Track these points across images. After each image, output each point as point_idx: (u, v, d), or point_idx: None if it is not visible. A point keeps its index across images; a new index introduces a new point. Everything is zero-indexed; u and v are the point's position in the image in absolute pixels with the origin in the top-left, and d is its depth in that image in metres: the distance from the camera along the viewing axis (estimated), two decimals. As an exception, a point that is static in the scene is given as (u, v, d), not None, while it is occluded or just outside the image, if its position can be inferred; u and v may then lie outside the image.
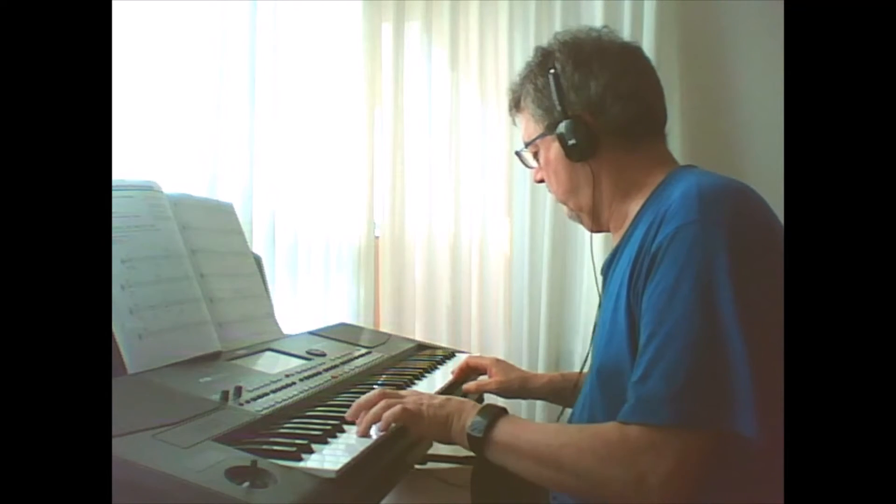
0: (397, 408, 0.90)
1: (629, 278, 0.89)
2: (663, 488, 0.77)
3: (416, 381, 1.25)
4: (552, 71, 1.02)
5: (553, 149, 1.05)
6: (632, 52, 1.06)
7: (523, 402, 1.91)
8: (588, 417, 0.99)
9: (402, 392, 0.98)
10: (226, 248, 1.30)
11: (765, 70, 1.85)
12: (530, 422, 0.98)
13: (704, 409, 0.78)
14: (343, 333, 1.50)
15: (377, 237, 2.04)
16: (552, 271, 1.99)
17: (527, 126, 1.11)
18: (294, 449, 0.76)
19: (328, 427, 0.87)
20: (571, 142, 1.01)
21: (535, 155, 1.11)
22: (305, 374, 1.10)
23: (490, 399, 1.38)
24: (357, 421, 0.91)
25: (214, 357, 1.09)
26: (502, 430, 0.88)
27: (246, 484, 0.66)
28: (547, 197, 1.95)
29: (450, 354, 1.55)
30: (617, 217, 1.05)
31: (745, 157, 1.88)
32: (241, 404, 0.89)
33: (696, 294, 0.80)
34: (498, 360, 1.41)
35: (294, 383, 1.04)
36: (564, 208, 1.13)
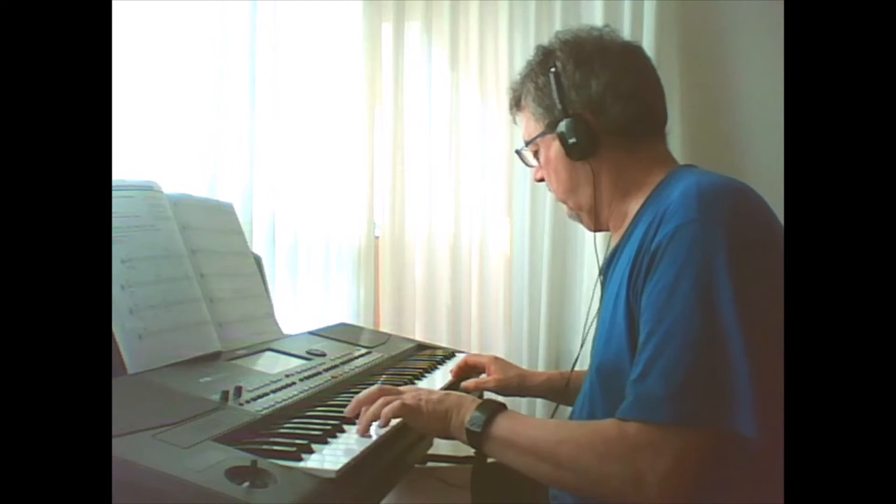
0: (396, 403, 0.90)
1: (629, 277, 0.89)
2: (662, 486, 0.77)
3: (415, 381, 1.25)
4: (553, 69, 1.02)
5: (553, 147, 1.05)
6: (633, 52, 1.06)
7: (523, 400, 1.91)
8: (588, 416, 0.99)
9: (401, 388, 0.98)
10: (226, 248, 1.30)
11: (765, 70, 1.85)
12: (529, 417, 0.98)
13: (703, 407, 0.78)
14: (343, 333, 1.50)
15: (377, 237, 2.04)
16: (552, 271, 1.99)
17: (527, 124, 1.11)
18: (294, 449, 0.76)
19: (328, 427, 0.87)
20: (572, 140, 1.01)
21: (536, 153, 1.11)
22: (305, 374, 1.10)
23: (489, 397, 1.38)
24: (356, 417, 0.91)
25: (214, 357, 1.09)
26: (501, 426, 0.88)
27: (246, 484, 0.66)
28: (547, 197, 1.95)
29: (450, 354, 1.55)
30: (616, 216, 1.05)
31: (745, 157, 1.88)
32: (241, 404, 0.89)
33: (695, 292, 0.80)
34: (496, 358, 1.41)
35: (294, 383, 1.04)
36: (564, 207, 1.13)
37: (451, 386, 1.30)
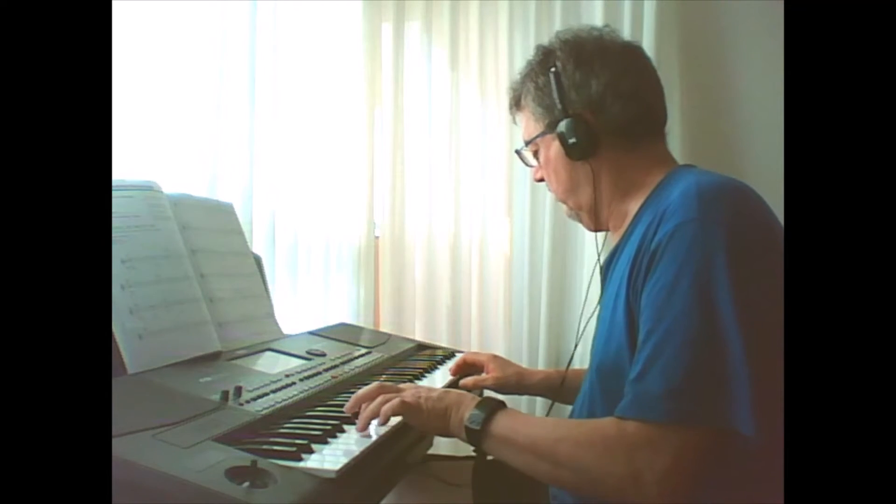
0: (395, 401, 0.91)
1: (628, 276, 0.90)
2: (660, 485, 0.77)
3: (415, 381, 1.25)
4: (553, 69, 1.03)
5: (553, 147, 1.05)
6: (633, 52, 1.06)
7: (523, 398, 1.91)
8: (588, 415, 0.99)
9: (401, 385, 0.98)
10: (226, 248, 1.30)
11: (765, 70, 1.85)
12: (529, 416, 0.98)
13: (702, 406, 0.78)
14: (343, 333, 1.50)
15: (377, 237, 2.04)
16: (552, 271, 1.99)
17: (527, 124, 1.11)
18: (294, 449, 0.76)
19: (328, 427, 0.87)
20: (572, 140, 1.01)
21: (536, 153, 1.11)
22: (305, 374, 1.10)
23: (488, 395, 1.38)
24: (356, 416, 0.91)
25: (214, 357, 1.09)
26: (500, 424, 0.88)
27: (246, 484, 0.66)
28: (547, 197, 1.95)
29: (450, 354, 1.55)
30: (616, 216, 1.05)
31: (745, 157, 1.88)
32: (241, 404, 0.89)
33: (694, 291, 0.80)
34: (495, 357, 1.41)
35: (294, 383, 1.04)
36: (564, 207, 1.13)
37: (451, 385, 1.30)
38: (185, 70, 1.63)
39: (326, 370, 1.16)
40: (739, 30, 1.91)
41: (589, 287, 1.16)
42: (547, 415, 1.32)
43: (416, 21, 2.08)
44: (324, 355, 1.25)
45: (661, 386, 0.79)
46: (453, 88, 2.07)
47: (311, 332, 1.44)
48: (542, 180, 1.13)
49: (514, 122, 1.17)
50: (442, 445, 1.76)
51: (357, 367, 1.25)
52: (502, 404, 0.92)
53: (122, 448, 0.66)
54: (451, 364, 1.42)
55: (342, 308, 1.96)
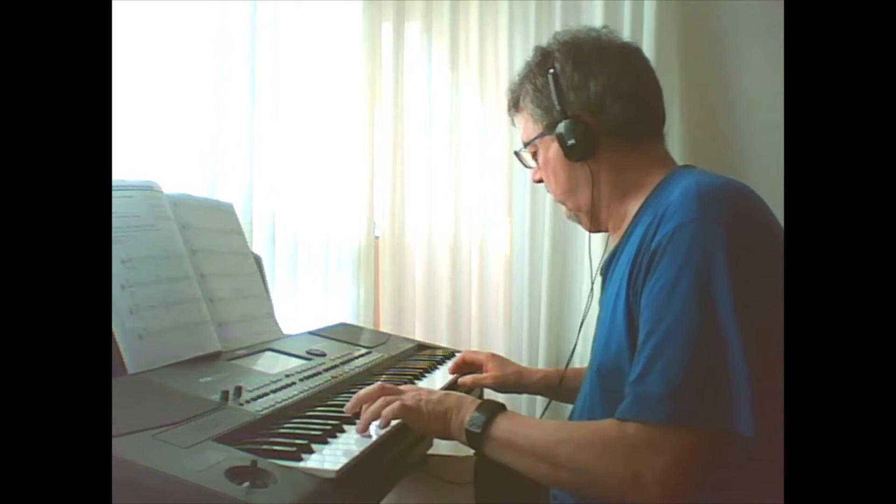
0: (396, 404, 0.90)
1: (628, 277, 0.90)
2: (660, 486, 0.77)
3: (416, 381, 1.25)
4: (551, 71, 1.03)
5: (552, 149, 1.05)
6: (631, 53, 1.07)
7: (523, 397, 1.91)
8: (588, 416, 0.99)
9: (402, 387, 0.98)
10: (226, 248, 1.30)
11: (765, 70, 1.85)
12: (529, 418, 0.98)
13: (702, 407, 0.78)
14: (343, 333, 1.50)
15: (377, 237, 2.04)
16: (552, 271, 1.99)
17: (526, 126, 1.11)
18: (294, 449, 0.76)
19: (328, 427, 0.87)
20: (571, 142, 1.01)
21: (534, 155, 1.12)
22: (305, 374, 1.10)
23: (487, 394, 1.38)
24: (356, 416, 0.91)
25: (214, 357, 1.09)
26: (500, 426, 0.88)
27: (246, 484, 0.66)
28: (547, 197, 1.95)
29: (450, 354, 1.55)
30: (616, 217, 1.05)
31: (745, 157, 1.88)
32: (241, 404, 0.89)
33: (694, 292, 0.80)
34: (494, 355, 1.42)
35: (294, 383, 1.04)
36: (563, 208, 1.13)
37: (451, 385, 1.30)
38: (185, 70, 1.63)
39: (326, 370, 1.16)
40: (739, 30, 1.91)
41: (591, 287, 1.16)
42: (543, 413, 1.32)
43: (416, 21, 2.07)
44: (324, 355, 1.25)
45: (661, 387, 0.79)
46: (453, 88, 2.07)
47: (311, 332, 1.44)
48: (541, 181, 1.13)
49: (513, 123, 1.17)
50: (442, 445, 1.76)
51: (357, 367, 1.25)
52: (502, 407, 0.92)
53: (122, 448, 0.66)
54: (450, 364, 1.42)
55: (342, 308, 1.96)
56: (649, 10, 1.86)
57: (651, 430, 0.79)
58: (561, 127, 1.01)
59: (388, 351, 1.45)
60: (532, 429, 0.89)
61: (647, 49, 1.81)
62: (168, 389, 0.89)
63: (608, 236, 1.13)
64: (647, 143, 1.03)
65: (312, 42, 1.92)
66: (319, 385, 1.06)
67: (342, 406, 0.96)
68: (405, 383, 1.20)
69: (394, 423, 0.91)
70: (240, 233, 1.40)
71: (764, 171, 1.68)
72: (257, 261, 1.43)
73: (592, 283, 1.16)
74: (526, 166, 1.17)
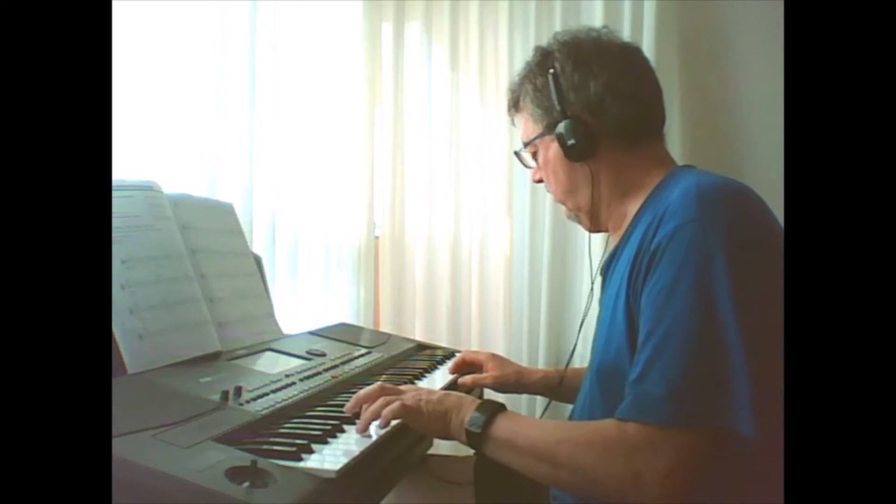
0: (396, 404, 0.90)
1: (628, 277, 0.90)
2: (660, 486, 0.77)
3: (416, 381, 1.25)
4: (551, 71, 1.03)
5: (552, 149, 1.05)
6: (631, 53, 1.07)
7: (523, 397, 1.91)
8: (588, 416, 0.99)
9: (402, 387, 0.98)
10: (226, 248, 1.30)
11: (765, 70, 1.85)
12: (529, 418, 0.98)
13: (702, 407, 0.78)
14: (343, 333, 1.50)
15: (377, 237, 2.04)
16: (552, 271, 1.99)
17: (526, 126, 1.11)
18: (294, 449, 0.76)
19: (328, 427, 0.87)
20: (570, 142, 1.01)
21: (534, 155, 1.11)
22: (305, 374, 1.10)
23: (488, 395, 1.38)
24: (356, 416, 0.91)
25: (214, 357, 1.09)
26: (500, 426, 0.88)
27: (246, 484, 0.66)
28: (547, 197, 1.95)
29: (450, 354, 1.55)
30: (616, 217, 1.05)
31: (745, 157, 1.88)
32: (241, 404, 0.89)
33: (694, 292, 0.80)
34: (494, 355, 1.42)
35: (294, 383, 1.04)
36: (563, 208, 1.13)
37: (451, 385, 1.30)
38: (185, 70, 1.63)
39: (326, 370, 1.16)
40: (739, 30, 1.91)
41: (591, 287, 1.16)
42: (543, 413, 1.32)
43: (416, 21, 2.07)
44: (324, 355, 1.25)
45: (661, 387, 0.79)
46: (453, 88, 2.07)
47: (311, 332, 1.44)
48: (541, 181, 1.13)
49: (513, 123, 1.17)
50: (442, 445, 1.76)
51: (357, 367, 1.25)
52: (502, 407, 0.92)
53: (122, 448, 0.66)
54: (450, 364, 1.42)
55: (342, 308, 1.96)
56: (649, 10, 1.86)
57: (651, 431, 0.79)
58: (561, 127, 1.01)
59: (388, 351, 1.45)
60: (532, 429, 0.89)
61: (647, 49, 1.81)
62: (168, 389, 0.89)
63: (608, 236, 1.13)
64: (647, 143, 1.03)
65: (312, 42, 1.92)
66: (319, 385, 1.06)
67: (342, 406, 0.96)
68: (405, 383, 1.20)
69: (394, 423, 0.91)
70: (240, 233, 1.40)
71: (764, 171, 1.68)
72: (257, 261, 1.43)
73: (592, 283, 1.16)
74: (526, 166, 1.17)
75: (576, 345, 1.29)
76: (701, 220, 0.83)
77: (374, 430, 0.89)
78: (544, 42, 1.10)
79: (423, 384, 1.26)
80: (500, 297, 2.10)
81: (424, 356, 1.54)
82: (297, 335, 1.39)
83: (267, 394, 0.95)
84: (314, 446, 0.80)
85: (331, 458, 0.78)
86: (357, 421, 0.90)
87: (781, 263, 0.70)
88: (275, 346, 1.24)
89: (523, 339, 2.02)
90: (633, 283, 0.88)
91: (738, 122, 1.91)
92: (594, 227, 1.09)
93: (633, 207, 1.01)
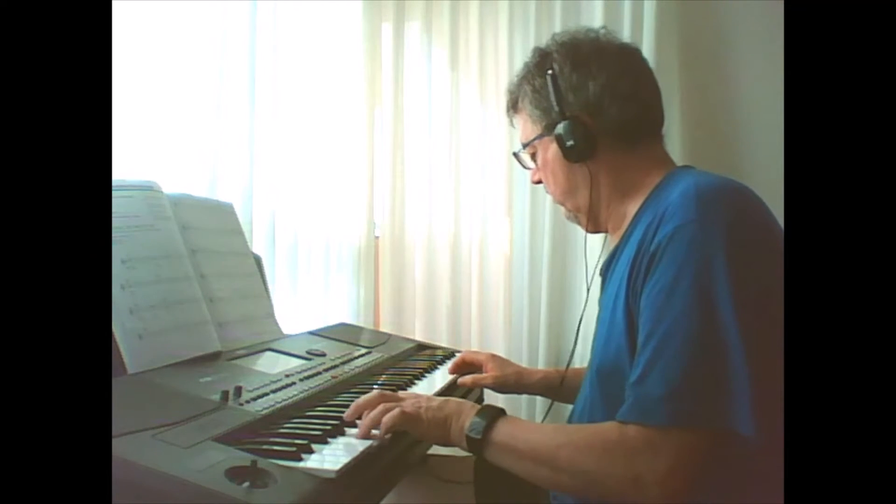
0: (396, 411, 0.90)
1: (628, 278, 0.89)
2: (660, 486, 0.77)
3: (416, 381, 1.25)
4: (550, 72, 1.02)
5: (551, 150, 1.05)
6: (630, 53, 1.06)
7: (523, 399, 1.91)
8: (588, 417, 0.99)
9: (401, 394, 0.98)
10: (226, 248, 1.30)
11: (765, 70, 1.85)
12: (529, 422, 0.98)
13: (702, 408, 0.78)
14: (343, 333, 1.50)
15: (377, 237, 2.04)
16: (552, 271, 1.99)
17: (524, 127, 1.11)
18: (294, 449, 0.76)
19: (328, 427, 0.87)
20: (569, 143, 1.01)
21: (533, 156, 1.11)
22: (305, 374, 1.10)
23: (488, 397, 1.38)
24: (356, 422, 0.91)
25: (214, 357, 1.09)
26: (501, 431, 0.88)
27: (246, 484, 0.66)
28: (547, 197, 1.94)
29: (450, 354, 1.55)
30: (615, 218, 1.05)
31: (745, 158, 1.88)
32: (241, 404, 0.89)
33: (694, 293, 0.80)
34: (493, 356, 1.42)
35: (294, 383, 1.04)
36: (562, 209, 1.13)
37: (452, 386, 1.30)
38: (185, 70, 1.63)
39: (326, 370, 1.16)
40: (739, 30, 1.91)
41: (589, 287, 1.15)
42: (546, 414, 1.32)
43: (416, 21, 2.08)
44: (324, 355, 1.25)
45: (661, 389, 0.79)
46: (453, 88, 2.07)
47: (311, 332, 1.44)
48: (540, 182, 1.13)
49: (512, 124, 1.16)
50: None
51: (357, 367, 1.25)
52: (502, 412, 0.92)
53: (122, 448, 0.66)
54: (450, 364, 1.42)
55: (342, 308, 1.96)
56: (649, 10, 1.86)
57: (651, 432, 0.79)
58: (559, 128, 1.01)
59: (388, 351, 1.45)
60: (532, 433, 0.89)
61: (647, 49, 1.81)
62: (168, 389, 0.89)
63: (607, 236, 1.13)
64: (645, 143, 1.03)
65: (312, 42, 1.92)
66: (319, 385, 1.06)
67: (342, 406, 0.96)
68: (405, 383, 1.20)
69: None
70: (240, 233, 1.40)
71: (764, 171, 1.68)
72: (257, 261, 1.43)
73: (590, 284, 1.16)
74: (525, 167, 1.17)
75: (575, 345, 1.29)
76: (700, 220, 0.83)
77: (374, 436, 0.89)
78: (544, 42, 1.10)
79: (422, 384, 1.26)
80: (500, 297, 2.10)
81: (424, 356, 1.54)
82: (297, 335, 1.39)
83: (267, 394, 0.95)
84: (314, 446, 0.80)
85: (331, 458, 0.78)
86: (358, 425, 0.90)
87: (781, 263, 0.70)
88: (275, 346, 1.24)
89: (523, 340, 2.02)
90: (632, 283, 0.88)
91: (738, 122, 1.91)
92: (593, 227, 1.09)
93: (632, 208, 1.01)
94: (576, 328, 1.98)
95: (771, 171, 1.58)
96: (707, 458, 0.78)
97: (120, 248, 1.01)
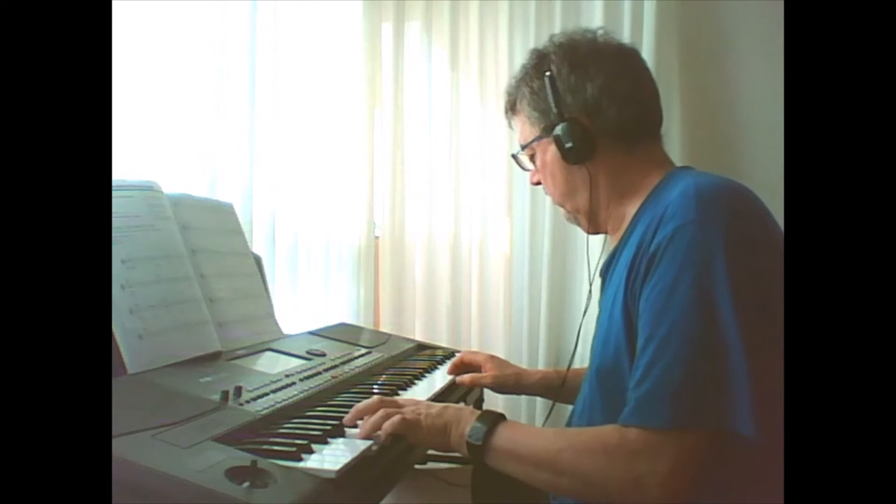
0: (396, 418, 0.89)
1: (627, 279, 0.89)
2: (661, 487, 0.77)
3: (416, 382, 1.25)
4: (548, 73, 1.02)
5: (550, 151, 1.05)
6: (628, 54, 1.06)
7: (523, 400, 1.92)
8: (588, 418, 0.99)
9: (400, 400, 0.97)
10: (226, 248, 1.30)
11: (765, 70, 1.85)
12: (529, 426, 0.98)
13: (702, 409, 0.78)
14: (343, 333, 1.50)
15: (377, 237, 2.04)
16: (552, 271, 1.99)
17: (523, 129, 1.10)
18: (294, 449, 0.76)
19: (328, 427, 0.87)
20: (568, 144, 1.00)
21: (532, 158, 1.11)
22: (305, 374, 1.10)
23: (487, 396, 1.38)
24: (356, 427, 0.91)
25: (214, 357, 1.09)
26: (501, 436, 0.88)
27: (246, 484, 0.66)
28: (547, 197, 1.93)
29: (450, 354, 1.55)
30: (615, 219, 1.05)
31: (745, 158, 1.88)
32: (241, 404, 0.89)
33: (693, 294, 0.80)
34: (492, 357, 1.41)
35: (294, 383, 1.04)
36: (562, 210, 1.13)
37: (452, 387, 1.30)
38: (185, 70, 1.63)
39: (326, 370, 1.16)
40: (739, 30, 1.91)
41: (590, 288, 1.15)
42: (548, 415, 1.32)
43: (416, 21, 2.08)
44: (324, 355, 1.25)
45: (661, 391, 0.79)
46: (453, 88, 2.07)
47: (311, 332, 1.44)
48: (539, 184, 1.13)
49: (510, 126, 1.16)
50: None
51: (357, 367, 1.25)
52: (502, 417, 0.91)
53: (122, 448, 0.66)
54: (449, 364, 1.42)
55: (342, 308, 1.96)
56: (649, 10, 1.86)
57: (651, 435, 0.79)
58: (558, 129, 1.01)
59: (388, 351, 1.45)
60: (533, 437, 0.88)
61: (647, 49, 1.81)
62: (168, 389, 0.89)
63: (607, 237, 1.13)
64: (644, 144, 1.03)
65: (312, 42, 1.92)
66: (319, 385, 1.06)
67: (342, 406, 0.96)
68: (405, 384, 1.20)
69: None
70: (240, 233, 1.40)
71: (764, 171, 1.68)
72: (257, 261, 1.43)
73: (591, 284, 1.16)
74: (524, 169, 1.17)
75: (576, 346, 1.29)
76: (700, 221, 0.83)
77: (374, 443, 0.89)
78: (542, 44, 1.10)
79: (422, 384, 1.26)
80: (500, 297, 2.10)
81: (424, 356, 1.54)
82: (297, 335, 1.39)
83: (267, 394, 0.95)
84: (314, 446, 0.79)
85: (331, 458, 0.78)
86: (358, 428, 0.90)
87: (781, 264, 0.70)
88: (275, 346, 1.23)
89: (523, 340, 2.02)
90: (631, 284, 0.88)
91: (738, 122, 1.91)
92: (593, 228, 1.09)
93: (631, 209, 1.01)
94: (576, 328, 1.99)
95: (771, 171, 1.58)
96: (708, 458, 0.78)
97: (120, 248, 1.01)
